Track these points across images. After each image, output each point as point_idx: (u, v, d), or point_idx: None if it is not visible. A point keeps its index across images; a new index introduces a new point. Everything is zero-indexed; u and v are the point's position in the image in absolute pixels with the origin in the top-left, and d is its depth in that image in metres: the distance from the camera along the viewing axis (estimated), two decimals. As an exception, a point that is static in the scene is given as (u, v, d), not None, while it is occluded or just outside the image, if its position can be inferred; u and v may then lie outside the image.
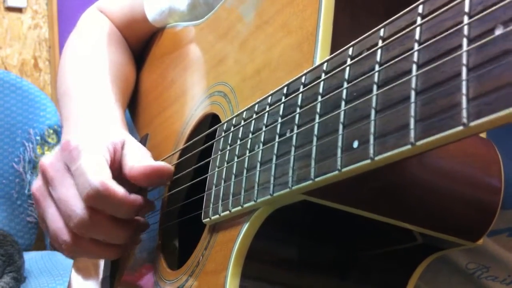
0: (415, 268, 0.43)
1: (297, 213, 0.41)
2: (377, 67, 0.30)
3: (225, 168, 0.44)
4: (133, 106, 0.80)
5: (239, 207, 0.41)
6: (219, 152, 0.46)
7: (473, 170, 0.38)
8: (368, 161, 0.29)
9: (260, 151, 0.39)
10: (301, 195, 0.36)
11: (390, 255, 0.44)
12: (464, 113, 0.24)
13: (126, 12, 0.80)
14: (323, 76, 0.35)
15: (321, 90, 0.34)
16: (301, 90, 0.37)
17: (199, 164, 0.54)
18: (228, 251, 0.42)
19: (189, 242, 0.54)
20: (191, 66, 0.63)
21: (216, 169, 0.45)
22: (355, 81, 0.32)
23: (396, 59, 0.29)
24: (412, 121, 0.27)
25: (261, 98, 0.41)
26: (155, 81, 0.75)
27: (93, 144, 0.52)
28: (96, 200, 0.49)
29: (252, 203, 0.39)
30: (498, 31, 0.23)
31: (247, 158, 0.41)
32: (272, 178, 0.37)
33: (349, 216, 0.37)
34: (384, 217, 0.37)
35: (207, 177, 0.48)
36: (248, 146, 0.41)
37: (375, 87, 0.30)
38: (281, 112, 0.38)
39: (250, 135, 0.41)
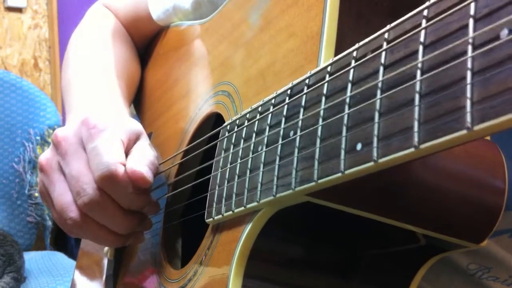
0: (417, 270, 0.43)
1: (300, 214, 0.41)
2: (381, 70, 0.30)
3: (228, 169, 0.44)
4: (137, 104, 0.80)
5: (242, 208, 0.41)
6: (223, 153, 0.46)
7: (477, 172, 0.38)
8: (372, 163, 0.29)
9: (264, 152, 0.39)
10: (304, 196, 0.36)
11: (393, 257, 0.44)
12: (468, 117, 0.24)
13: (131, 10, 0.80)
14: (327, 78, 0.35)
15: (325, 92, 0.34)
16: (305, 91, 0.37)
17: (202, 166, 0.53)
18: (231, 251, 0.42)
19: (192, 242, 0.54)
20: (195, 65, 0.63)
21: (220, 170, 0.45)
22: (359, 83, 0.32)
23: (401, 62, 0.29)
24: (416, 124, 0.27)
25: (265, 99, 0.42)
26: (159, 80, 0.75)
27: (113, 126, 0.52)
28: (108, 183, 0.48)
29: (255, 203, 0.39)
30: (504, 35, 0.23)
31: (250, 159, 0.41)
32: (275, 179, 0.37)
33: (351, 217, 0.37)
34: (388, 218, 0.37)
35: (210, 177, 0.48)
36: (252, 147, 0.41)
37: (379, 89, 0.30)
38: (285, 113, 0.38)
39: (254, 136, 0.41)
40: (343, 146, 0.31)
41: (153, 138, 0.71)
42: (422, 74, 0.27)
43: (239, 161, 0.43)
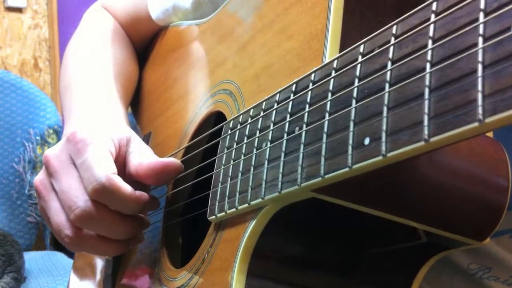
0: (419, 269, 0.43)
1: (304, 211, 0.41)
2: (389, 65, 0.30)
3: (231, 166, 0.44)
4: (136, 105, 0.80)
5: (246, 205, 0.41)
6: (225, 150, 0.46)
7: (481, 169, 0.38)
8: (380, 157, 0.29)
9: (268, 149, 0.39)
10: (309, 193, 0.36)
11: (395, 255, 0.44)
12: (480, 110, 0.24)
13: (130, 10, 0.80)
14: (333, 74, 0.35)
15: (331, 88, 0.34)
16: (310, 87, 0.37)
17: (204, 163, 0.53)
18: (234, 249, 0.42)
19: (193, 240, 0.54)
20: (195, 65, 0.63)
21: (222, 167, 0.45)
22: (367, 79, 0.32)
23: (410, 57, 0.29)
24: (426, 118, 0.27)
25: (269, 96, 0.41)
26: (158, 80, 0.75)
27: (99, 138, 0.52)
28: (102, 195, 0.48)
29: (259, 200, 0.39)
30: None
31: (254, 156, 0.41)
32: (280, 175, 0.37)
33: (354, 214, 0.37)
34: (392, 215, 0.37)
35: (211, 175, 0.48)
36: (256, 144, 0.41)
37: (387, 84, 0.30)
38: (289, 110, 0.38)
39: (258, 133, 0.41)
40: (350, 141, 0.31)
41: (152, 138, 0.71)
42: (431, 68, 0.27)
43: (242, 158, 0.42)
